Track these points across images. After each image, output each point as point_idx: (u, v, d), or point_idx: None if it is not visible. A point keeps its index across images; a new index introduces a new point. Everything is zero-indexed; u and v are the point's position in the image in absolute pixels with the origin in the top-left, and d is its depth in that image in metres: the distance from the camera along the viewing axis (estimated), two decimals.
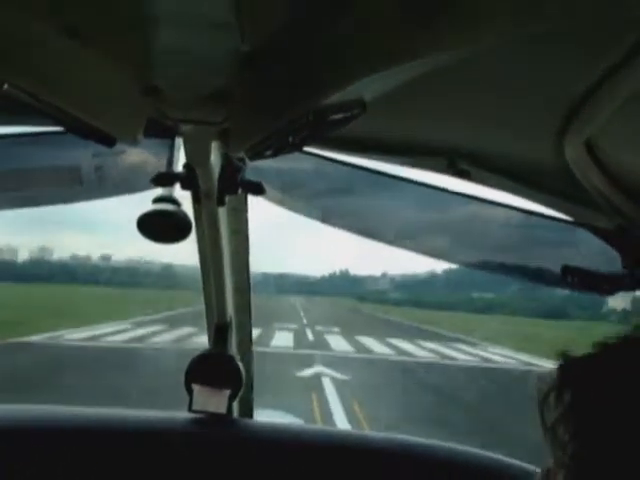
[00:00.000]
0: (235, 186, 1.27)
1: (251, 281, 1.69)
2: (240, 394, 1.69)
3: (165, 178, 1.27)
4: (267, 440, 1.61)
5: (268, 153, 0.99)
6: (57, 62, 0.86)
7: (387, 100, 0.87)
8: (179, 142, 1.27)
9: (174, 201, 1.29)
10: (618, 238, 1.21)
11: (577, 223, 1.27)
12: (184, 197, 1.34)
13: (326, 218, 1.49)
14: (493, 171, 1.17)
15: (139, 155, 1.35)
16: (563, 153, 1.01)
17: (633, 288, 1.24)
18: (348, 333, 21.78)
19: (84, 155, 1.33)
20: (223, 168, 1.24)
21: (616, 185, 1.07)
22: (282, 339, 18.51)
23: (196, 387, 1.59)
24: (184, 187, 1.27)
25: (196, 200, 1.32)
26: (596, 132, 0.95)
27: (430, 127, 1.11)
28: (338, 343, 18.91)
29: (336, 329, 23.31)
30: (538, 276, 1.47)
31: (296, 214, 1.47)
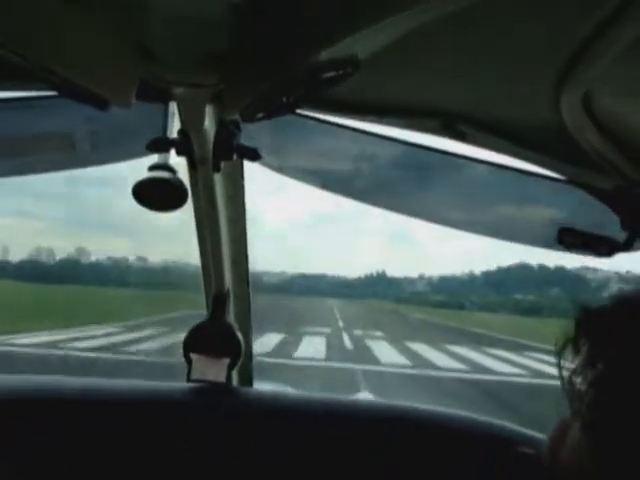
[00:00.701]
0: (230, 152, 1.26)
1: (249, 253, 1.68)
2: (239, 363, 1.70)
3: (160, 144, 1.27)
4: (267, 408, 1.62)
5: (261, 115, 0.98)
6: (49, 25, 0.85)
7: (381, 60, 0.86)
8: (174, 108, 1.26)
9: (170, 168, 1.29)
10: (616, 199, 1.21)
11: (575, 184, 1.26)
12: (180, 164, 1.34)
13: (325, 185, 1.48)
14: (490, 133, 1.16)
15: (133, 121, 1.34)
16: (560, 112, 1.00)
17: (632, 249, 1.23)
18: (394, 338, 17.95)
19: (77, 121, 1.32)
20: (218, 133, 1.23)
21: (614, 144, 1.07)
22: (311, 347, 14.62)
23: (195, 356, 1.59)
24: (179, 153, 1.27)
25: (191, 166, 1.31)
26: (592, 88, 0.94)
27: (425, 88, 1.10)
28: (385, 352, 14.71)
29: (378, 333, 19.74)
30: (534, 239, 1.46)
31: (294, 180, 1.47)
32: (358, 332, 19.30)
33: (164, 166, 1.29)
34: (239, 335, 1.65)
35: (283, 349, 13.51)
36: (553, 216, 1.37)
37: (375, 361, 13.13)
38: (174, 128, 1.27)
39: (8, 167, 1.46)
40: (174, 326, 14.17)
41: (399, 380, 10.77)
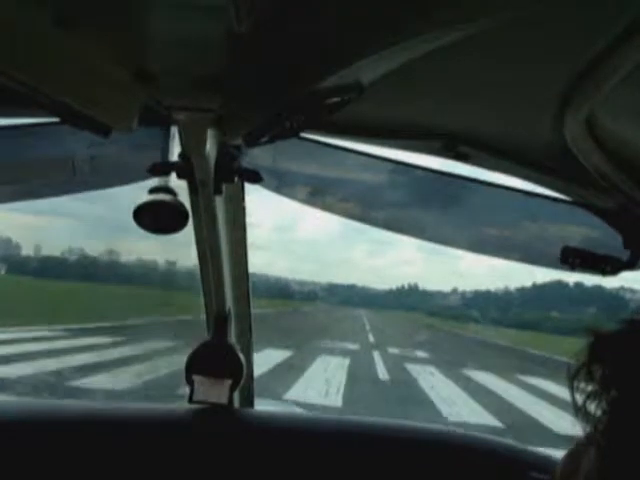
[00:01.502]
0: (232, 174, 1.26)
1: (249, 273, 1.67)
2: (241, 384, 1.69)
3: (161, 167, 1.27)
4: (268, 429, 1.61)
5: (265, 139, 0.98)
6: (50, 52, 0.85)
7: (383, 84, 0.86)
8: (174, 131, 1.27)
9: (170, 191, 1.29)
10: (619, 218, 1.21)
11: (577, 203, 1.27)
12: (181, 187, 1.34)
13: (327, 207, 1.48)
14: (492, 153, 1.16)
15: (134, 145, 1.34)
16: (563, 132, 1.00)
17: (635, 268, 1.23)
18: (445, 362, 13.67)
19: (79, 146, 1.32)
20: (219, 156, 1.23)
21: (616, 163, 1.07)
22: (322, 376, 9.88)
23: (197, 378, 1.58)
24: (180, 176, 1.26)
25: (192, 189, 1.31)
26: (596, 109, 0.94)
27: (427, 111, 1.10)
28: (441, 388, 9.67)
29: (422, 354, 15.58)
30: (538, 258, 1.46)
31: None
32: (394, 351, 15.65)
33: (165, 188, 1.29)
34: (241, 356, 1.64)
35: (273, 381, 8.35)
36: (557, 236, 1.37)
37: (431, 409, 7.76)
38: (175, 150, 1.27)
39: (10, 192, 1.46)
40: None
41: None
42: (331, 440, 1.58)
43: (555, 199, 1.28)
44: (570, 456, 0.71)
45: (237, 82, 0.92)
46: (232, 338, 1.70)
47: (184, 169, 1.24)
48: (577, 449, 0.70)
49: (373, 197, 1.48)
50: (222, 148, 1.23)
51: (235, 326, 1.73)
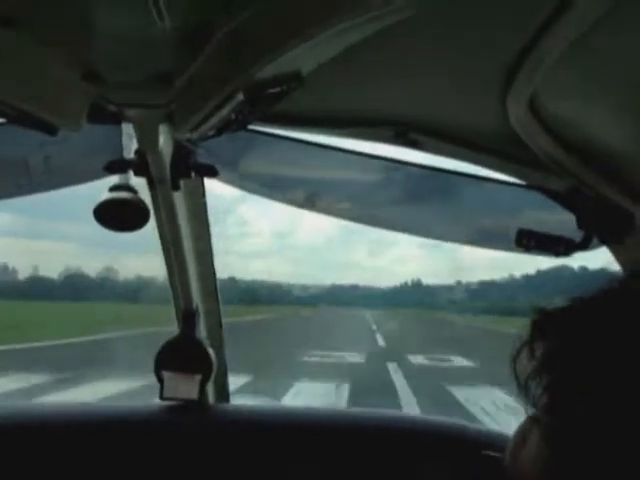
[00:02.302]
0: (188, 170, 1.27)
1: (215, 267, 1.68)
2: (215, 380, 1.69)
3: (117, 165, 1.27)
4: (242, 423, 1.61)
5: (212, 133, 0.99)
6: None
7: (329, 73, 0.87)
8: (131, 129, 1.27)
9: (130, 188, 1.29)
10: (572, 199, 1.22)
11: (530, 186, 1.28)
12: (142, 184, 1.34)
13: (289, 200, 1.49)
14: (442, 139, 1.17)
15: (90, 144, 1.34)
16: (508, 115, 1.02)
17: (588, 248, 1.25)
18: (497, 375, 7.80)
19: (31, 146, 1.31)
20: (175, 152, 1.24)
21: (563, 146, 1.08)
22: None
23: (166, 374, 1.59)
24: (137, 174, 1.27)
25: (151, 186, 1.31)
26: (537, 91, 0.95)
27: (375, 99, 1.11)
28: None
29: (464, 361, 11.23)
30: (493, 241, 1.48)
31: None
32: (419, 360, 11.23)
33: (125, 186, 1.29)
34: (210, 351, 1.64)
35: None
36: (513, 219, 1.39)
37: None
38: (132, 149, 1.27)
39: None
40: None
41: None
42: (310, 432, 1.58)
43: (508, 183, 1.30)
44: (518, 434, 0.71)
45: (184, 77, 0.93)
46: (202, 333, 1.70)
47: (140, 166, 1.24)
48: (524, 426, 0.70)
49: (330, 189, 1.50)
50: (177, 144, 1.24)
51: (205, 322, 1.73)
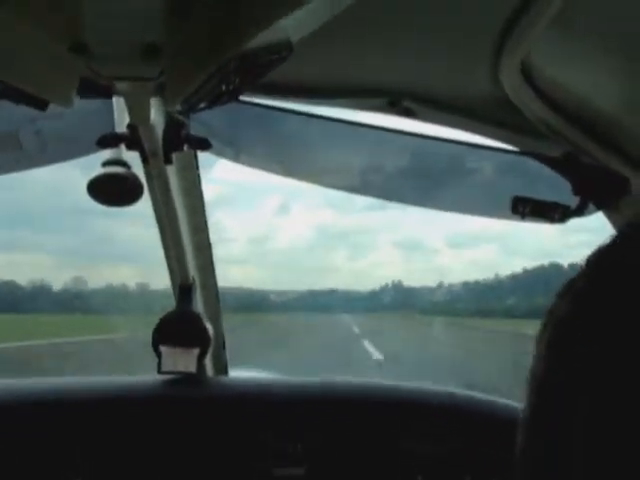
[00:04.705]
0: (180, 143, 1.26)
1: (211, 240, 1.68)
2: (212, 353, 1.70)
3: (109, 139, 1.26)
4: (240, 395, 1.62)
5: (203, 105, 0.98)
6: None
7: (321, 42, 0.86)
8: (122, 102, 1.25)
9: (123, 163, 1.28)
10: (567, 165, 1.22)
11: (525, 153, 1.28)
12: (135, 158, 1.33)
13: (287, 172, 1.48)
14: (436, 107, 1.17)
15: (82, 118, 1.33)
16: (500, 81, 1.01)
17: (583, 214, 1.25)
18: None
19: (22, 120, 1.30)
20: (167, 125, 1.23)
21: (557, 111, 1.08)
22: None
23: (164, 348, 1.59)
24: (129, 147, 1.26)
25: (144, 160, 1.30)
26: (530, 56, 0.94)
27: (368, 67, 1.10)
28: None
29: None
30: (489, 209, 1.48)
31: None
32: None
33: (118, 161, 1.28)
34: (207, 324, 1.65)
35: None
36: (508, 187, 1.38)
37: None
38: (124, 122, 1.26)
39: None
40: None
41: None
42: (307, 404, 1.59)
43: (503, 150, 1.29)
44: None
45: (174, 48, 0.92)
46: (199, 307, 1.70)
47: (133, 140, 1.23)
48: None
49: (333, 159, 1.49)
50: (169, 117, 1.23)
51: (202, 295, 1.73)
